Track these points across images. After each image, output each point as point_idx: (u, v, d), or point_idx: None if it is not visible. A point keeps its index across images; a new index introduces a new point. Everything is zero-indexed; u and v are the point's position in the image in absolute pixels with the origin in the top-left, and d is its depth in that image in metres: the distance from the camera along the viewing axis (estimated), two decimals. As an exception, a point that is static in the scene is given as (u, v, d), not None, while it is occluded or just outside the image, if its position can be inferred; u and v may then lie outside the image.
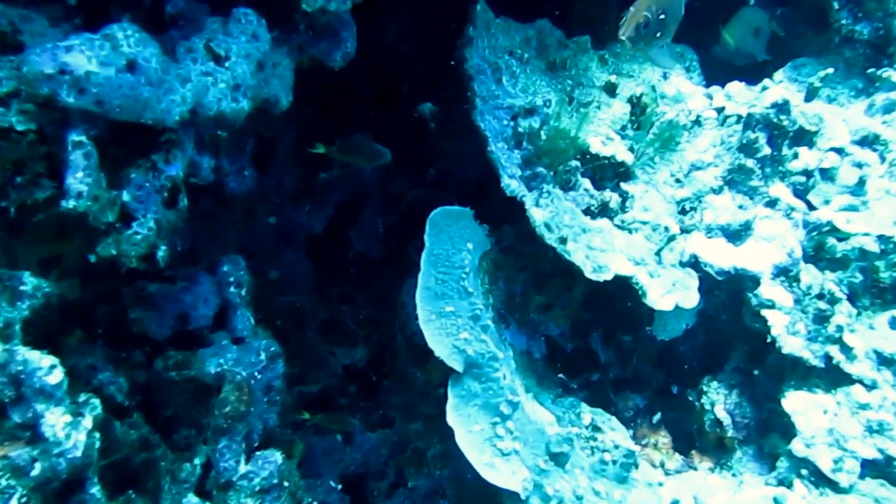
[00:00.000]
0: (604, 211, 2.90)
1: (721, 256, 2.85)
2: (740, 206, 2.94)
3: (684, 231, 2.97)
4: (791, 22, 3.66)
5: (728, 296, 2.92)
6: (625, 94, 3.32)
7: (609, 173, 2.99)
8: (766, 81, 3.10)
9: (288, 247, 3.27)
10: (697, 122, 3.22)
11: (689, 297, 2.83)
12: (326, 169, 3.27)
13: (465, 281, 2.69)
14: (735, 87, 3.28)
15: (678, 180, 3.06)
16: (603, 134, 3.01)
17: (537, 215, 2.72)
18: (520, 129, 2.83)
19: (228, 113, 2.29)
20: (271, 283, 3.23)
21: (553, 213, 2.75)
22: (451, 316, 2.66)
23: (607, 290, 2.88)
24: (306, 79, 2.92)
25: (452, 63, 2.90)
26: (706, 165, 3.04)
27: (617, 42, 3.49)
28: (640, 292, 2.78)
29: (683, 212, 3.02)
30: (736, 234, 2.90)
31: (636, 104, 3.26)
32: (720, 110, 3.21)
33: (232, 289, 2.77)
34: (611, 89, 3.34)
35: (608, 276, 2.72)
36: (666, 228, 2.95)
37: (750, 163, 2.94)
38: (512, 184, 2.74)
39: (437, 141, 3.26)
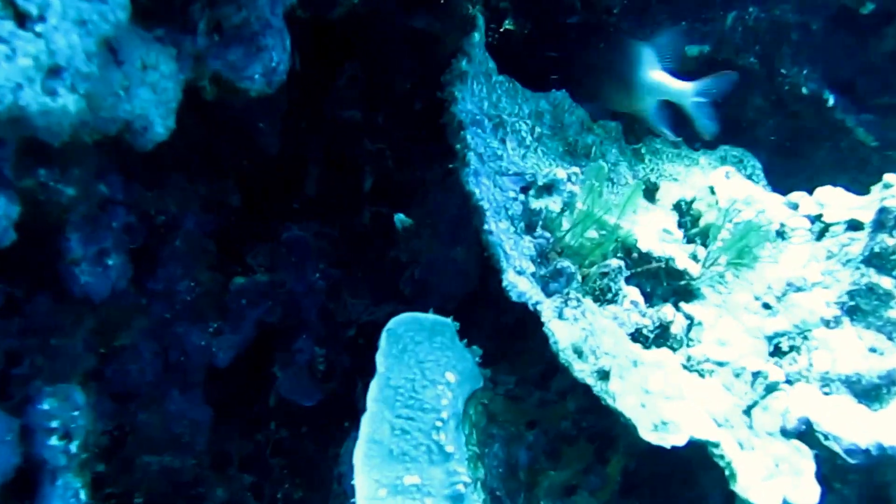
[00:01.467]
0: (663, 338, 1.86)
1: (852, 426, 1.77)
2: (873, 350, 1.90)
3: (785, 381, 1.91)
4: (880, 128, 2.81)
5: (867, 491, 1.81)
6: (668, 201, 2.38)
7: (664, 286, 1.97)
8: (890, 177, 2.15)
9: (175, 384, 2.16)
10: (781, 234, 2.25)
11: (805, 489, 1.72)
12: (246, 270, 2.23)
13: (440, 433, 1.59)
14: (829, 192, 2.34)
15: (767, 305, 2.04)
16: (654, 231, 2.02)
17: (561, 333, 1.67)
18: (534, 207, 1.84)
19: (34, 113, 1.31)
20: (140, 438, 2.10)
21: (586, 333, 1.70)
22: (415, 493, 1.54)
23: (664, 463, 1.78)
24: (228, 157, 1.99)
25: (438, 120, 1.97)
26: (811, 286, 2.03)
27: (656, 136, 2.61)
28: (725, 471, 1.68)
29: (779, 352, 1.97)
30: (871, 393, 1.85)
31: (685, 212, 2.31)
32: (815, 218, 2.25)
33: (53, 440, 1.67)
34: (649, 192, 2.40)
35: (678, 440, 1.63)
36: (757, 375, 1.89)
37: (887, 282, 1.93)
38: (520, 283, 1.72)
39: (408, 242, 2.26)
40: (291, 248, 2.22)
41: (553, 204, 1.93)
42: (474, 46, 1.84)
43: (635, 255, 1.94)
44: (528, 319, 1.76)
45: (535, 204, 1.84)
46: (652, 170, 2.53)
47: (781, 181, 2.66)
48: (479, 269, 2.17)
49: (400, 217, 2.26)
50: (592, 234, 1.91)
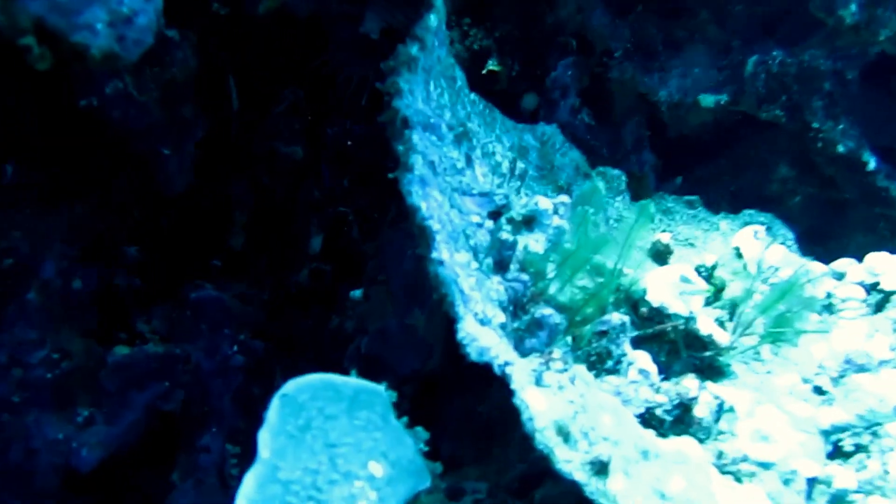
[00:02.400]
0: (684, 422, 1.32)
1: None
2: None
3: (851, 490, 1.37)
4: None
5: None
6: (678, 270, 1.89)
7: (682, 358, 1.46)
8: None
9: (13, 496, 1.61)
10: (828, 307, 1.76)
11: None
12: (134, 338, 1.71)
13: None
14: (884, 258, 1.86)
15: (820, 390, 1.51)
16: (668, 282, 1.52)
17: (538, 406, 1.15)
18: (503, 237, 1.35)
19: None
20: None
21: (575, 408, 1.18)
22: None
23: None
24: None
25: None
26: (877, 364, 1.51)
27: (668, 193, 2.17)
28: None
29: (841, 452, 1.44)
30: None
31: (706, 282, 1.81)
32: (870, 287, 1.76)
33: None
34: (660, 255, 1.91)
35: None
36: (814, 482, 1.35)
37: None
38: (482, 336, 1.20)
39: (355, 306, 1.76)
40: (200, 311, 1.71)
41: (534, 242, 1.44)
42: (429, 31, 1.41)
43: (644, 310, 1.44)
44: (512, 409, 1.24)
45: (506, 233, 1.35)
46: (663, 231, 2.06)
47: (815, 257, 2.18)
48: (445, 339, 1.66)
49: (356, 294, 1.77)
50: (586, 282, 1.41)
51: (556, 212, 1.46)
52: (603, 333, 1.35)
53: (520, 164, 1.77)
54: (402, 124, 1.29)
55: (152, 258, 1.65)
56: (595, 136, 2.37)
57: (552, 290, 1.40)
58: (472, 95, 1.71)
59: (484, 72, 2.31)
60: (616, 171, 2.03)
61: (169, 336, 1.63)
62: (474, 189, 1.40)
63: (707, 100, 2.32)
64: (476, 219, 1.38)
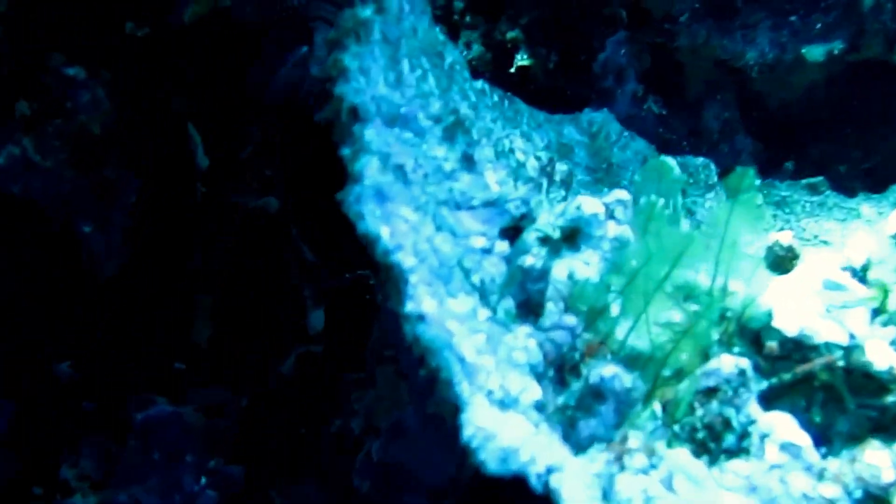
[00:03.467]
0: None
1: None
2: None
3: None
4: None
5: None
6: (817, 275, 1.32)
7: (850, 411, 0.89)
8: None
9: None
10: None
11: None
12: (55, 490, 1.27)
13: None
14: None
15: None
16: (803, 296, 0.97)
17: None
18: (527, 264, 0.85)
19: None
20: None
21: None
22: None
23: None
24: None
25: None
26: None
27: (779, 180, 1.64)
28: None
29: None
30: None
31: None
32: None
33: None
34: (782, 262, 1.36)
35: None
36: None
37: None
38: (503, 431, 0.69)
39: (360, 397, 1.27)
40: (151, 437, 1.25)
41: (583, 266, 0.93)
42: None
43: (772, 344, 0.89)
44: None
45: (535, 260, 0.85)
46: (780, 229, 1.51)
47: None
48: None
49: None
50: (672, 313, 0.89)
51: (610, 215, 0.95)
52: (711, 392, 0.82)
53: (560, 166, 1.26)
54: (350, 117, 0.83)
55: (82, 371, 1.22)
56: (669, 126, 1.87)
57: (619, 333, 0.88)
58: (480, 83, 1.23)
59: (513, 69, 1.86)
60: (701, 160, 1.50)
61: (105, 479, 1.17)
62: (475, 199, 0.91)
63: (814, 52, 1.76)
64: (480, 242, 0.89)
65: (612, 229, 0.96)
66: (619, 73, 1.87)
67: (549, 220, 0.94)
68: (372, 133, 0.84)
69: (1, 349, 1.21)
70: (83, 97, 1.21)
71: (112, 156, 1.26)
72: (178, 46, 1.28)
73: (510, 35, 1.89)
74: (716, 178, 1.53)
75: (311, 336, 1.38)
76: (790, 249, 1.40)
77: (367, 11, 0.93)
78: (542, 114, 1.37)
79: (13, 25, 1.14)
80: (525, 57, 1.86)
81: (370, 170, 0.79)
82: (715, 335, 0.87)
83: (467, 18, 2.00)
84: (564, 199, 1.29)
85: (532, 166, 1.09)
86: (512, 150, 1.08)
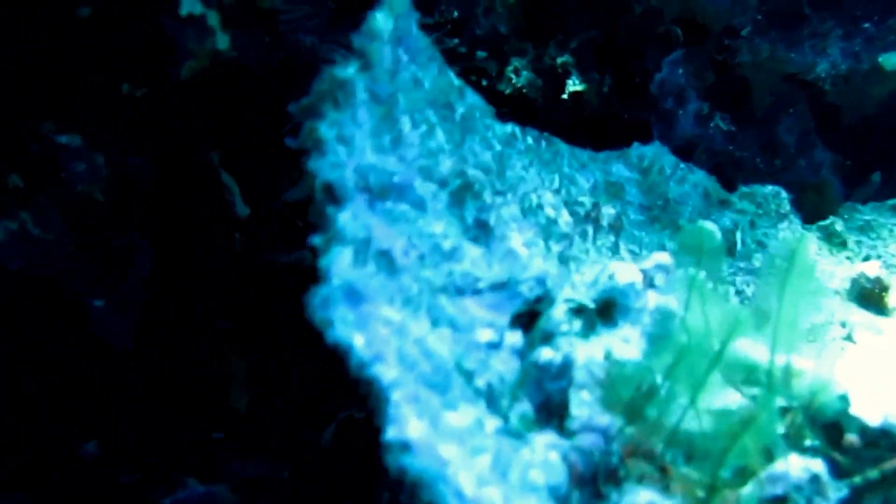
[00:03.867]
0: None
1: None
2: None
3: None
4: None
5: None
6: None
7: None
8: None
9: None
10: None
11: None
12: None
13: None
14: None
15: None
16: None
17: None
18: (543, 359, 0.73)
19: None
20: None
21: None
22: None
23: None
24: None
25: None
26: None
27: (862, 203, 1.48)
28: None
29: None
30: None
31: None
32: None
33: None
34: (869, 298, 1.21)
35: None
36: None
37: None
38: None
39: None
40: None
41: (621, 344, 0.81)
42: (378, 39, 0.82)
43: (852, 437, 0.75)
44: None
45: (553, 354, 0.74)
46: (865, 258, 1.35)
47: None
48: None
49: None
50: (730, 396, 0.76)
51: (650, 283, 0.82)
52: (779, 503, 0.69)
53: (607, 210, 1.14)
54: (325, 196, 0.73)
55: (109, 450, 1.16)
56: (739, 143, 1.73)
57: (666, 423, 0.75)
58: (510, 127, 1.12)
59: (565, 95, 1.75)
60: (770, 189, 1.36)
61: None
62: (481, 280, 0.80)
63: (893, 60, 1.59)
64: (486, 335, 0.77)
65: (653, 300, 0.83)
66: (679, 94, 1.74)
67: (577, 291, 0.82)
68: (347, 217, 0.74)
69: (19, 431, 1.16)
70: (78, 166, 1.15)
71: (121, 223, 1.20)
72: (182, 101, 1.21)
73: (560, 60, 1.78)
74: (788, 207, 1.38)
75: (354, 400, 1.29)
76: (878, 281, 1.25)
77: (348, 70, 0.83)
78: (585, 152, 1.24)
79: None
80: (577, 82, 1.75)
81: (340, 265, 0.69)
82: (779, 427, 0.74)
83: (514, 44, 1.90)
84: (615, 244, 1.17)
85: (565, 221, 0.97)
86: (541, 206, 0.97)
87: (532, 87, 1.80)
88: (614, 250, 1.15)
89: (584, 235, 1.12)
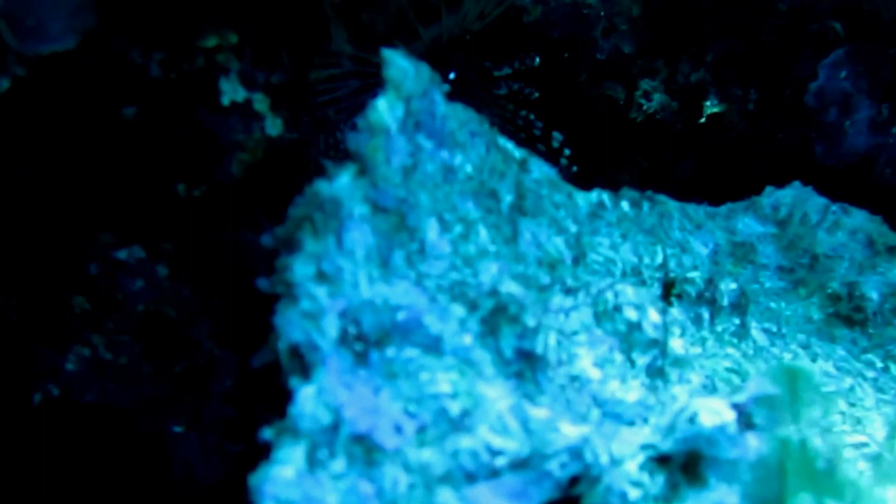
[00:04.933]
0: None
1: None
2: None
3: None
4: None
5: None
6: None
7: None
8: None
9: None
10: None
11: None
12: None
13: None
14: None
15: None
16: None
17: None
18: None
19: None
20: None
21: None
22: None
23: None
24: None
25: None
26: None
27: None
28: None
29: None
30: None
31: None
32: None
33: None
34: None
35: None
36: None
37: None
38: None
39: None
40: None
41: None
42: (382, 133, 0.66)
43: None
44: None
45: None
46: None
47: None
48: None
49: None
50: None
51: (746, 422, 0.61)
52: None
53: (728, 285, 0.91)
54: (292, 363, 0.58)
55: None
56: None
57: None
58: (595, 195, 0.92)
59: (703, 119, 1.53)
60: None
61: None
62: (503, 454, 0.61)
63: None
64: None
65: (753, 444, 0.61)
66: (845, 101, 1.45)
67: (643, 449, 0.62)
68: (309, 394, 0.58)
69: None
70: (135, 284, 1.08)
71: (196, 341, 1.12)
72: (237, 202, 1.11)
73: (695, 77, 1.55)
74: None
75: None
76: None
77: (340, 181, 0.68)
78: (701, 209, 1.02)
79: (56, 207, 1.04)
80: (716, 102, 1.51)
81: (281, 474, 0.54)
82: None
83: (642, 63, 1.69)
84: (741, 326, 0.94)
85: (652, 321, 0.77)
86: (619, 308, 0.77)
87: (667, 111, 1.57)
88: (741, 335, 0.92)
89: (698, 322, 0.90)
